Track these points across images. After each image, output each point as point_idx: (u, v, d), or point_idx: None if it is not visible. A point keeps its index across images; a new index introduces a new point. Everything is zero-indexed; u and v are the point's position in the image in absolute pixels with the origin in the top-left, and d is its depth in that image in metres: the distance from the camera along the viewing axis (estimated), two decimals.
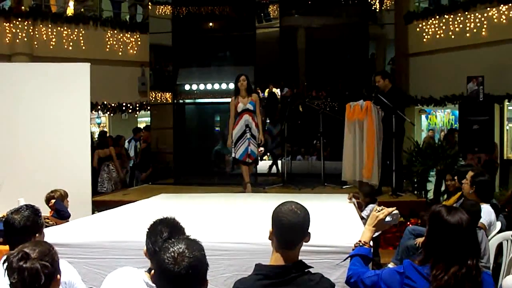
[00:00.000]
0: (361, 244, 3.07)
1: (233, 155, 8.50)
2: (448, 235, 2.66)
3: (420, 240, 5.51)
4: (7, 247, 3.36)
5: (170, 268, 2.08)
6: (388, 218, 3.14)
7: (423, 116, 15.08)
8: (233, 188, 9.09)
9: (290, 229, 2.69)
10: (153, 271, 2.27)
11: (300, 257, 2.74)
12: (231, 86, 10.98)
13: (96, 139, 12.11)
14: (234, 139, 8.38)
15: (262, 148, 8.79)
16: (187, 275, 2.08)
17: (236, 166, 9.11)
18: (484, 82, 9.72)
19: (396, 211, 3.16)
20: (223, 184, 9.92)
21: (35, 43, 11.71)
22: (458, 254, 2.62)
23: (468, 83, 9.90)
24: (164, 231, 2.85)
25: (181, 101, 12.32)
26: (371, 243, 3.18)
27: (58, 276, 2.49)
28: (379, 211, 3.16)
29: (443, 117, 17.08)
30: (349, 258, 3.08)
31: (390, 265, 5.41)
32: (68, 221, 5.87)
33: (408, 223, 7.46)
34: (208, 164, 12.09)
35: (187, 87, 12.17)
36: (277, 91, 12.13)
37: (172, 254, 2.11)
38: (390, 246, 7.10)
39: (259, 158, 8.77)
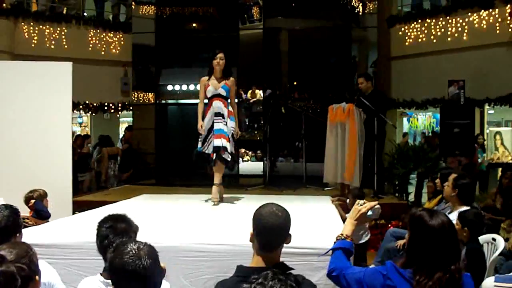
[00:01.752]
0: (343, 237, 3.07)
1: (199, 148, 6.78)
2: (431, 239, 2.66)
3: (401, 242, 5.54)
4: None
5: (137, 264, 2.17)
6: (369, 212, 3.16)
7: (405, 119, 15.17)
8: None
9: (271, 232, 2.69)
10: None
11: (281, 259, 2.75)
12: None
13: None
14: (205, 133, 6.78)
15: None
16: (152, 265, 2.21)
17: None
18: (465, 86, 9.81)
19: (377, 206, 3.19)
20: (204, 185, 9.83)
21: (17, 41, 11.59)
22: (442, 259, 2.62)
23: (449, 87, 9.98)
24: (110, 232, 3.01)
25: (163, 101, 12.30)
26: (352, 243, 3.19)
27: (37, 277, 2.47)
28: (361, 205, 3.18)
29: (424, 120, 17.19)
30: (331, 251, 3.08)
31: (372, 267, 5.43)
32: (48, 221, 5.82)
33: (390, 225, 7.50)
34: (190, 165, 12.02)
35: (169, 87, 12.15)
36: (259, 92, 12.15)
37: (132, 253, 2.21)
38: (372, 249, 7.11)
39: (237, 157, 7.20)
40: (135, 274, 2.17)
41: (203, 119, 6.79)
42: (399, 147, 10.28)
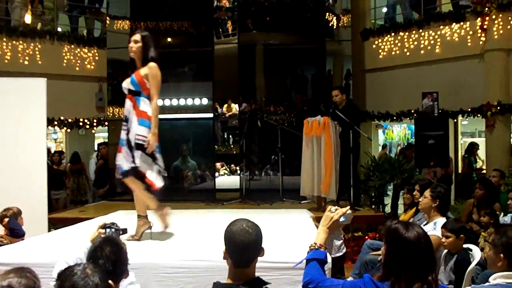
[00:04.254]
0: (316, 246, 3.02)
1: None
2: (408, 252, 2.67)
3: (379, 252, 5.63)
4: None
5: (88, 283, 2.20)
6: (342, 218, 3.13)
7: (380, 131, 15.27)
8: (192, 204, 9.04)
9: (243, 249, 2.68)
10: None
11: (258, 274, 2.74)
12: (189, 101, 11.02)
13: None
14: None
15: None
16: (102, 281, 2.25)
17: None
18: (438, 97, 9.92)
19: (349, 211, 3.16)
20: (182, 200, 9.84)
21: None
22: (419, 270, 2.63)
23: (423, 99, 10.08)
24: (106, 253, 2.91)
25: None
26: (329, 257, 3.18)
27: None
28: (333, 212, 3.14)
29: (399, 132, 17.33)
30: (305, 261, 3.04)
31: (349, 280, 5.44)
32: (23, 239, 5.77)
33: (366, 237, 7.54)
34: (167, 180, 11.96)
35: None
36: (235, 106, 12.15)
37: (79, 273, 2.24)
38: (349, 261, 7.14)
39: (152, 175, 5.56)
40: None
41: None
42: (374, 159, 10.35)
